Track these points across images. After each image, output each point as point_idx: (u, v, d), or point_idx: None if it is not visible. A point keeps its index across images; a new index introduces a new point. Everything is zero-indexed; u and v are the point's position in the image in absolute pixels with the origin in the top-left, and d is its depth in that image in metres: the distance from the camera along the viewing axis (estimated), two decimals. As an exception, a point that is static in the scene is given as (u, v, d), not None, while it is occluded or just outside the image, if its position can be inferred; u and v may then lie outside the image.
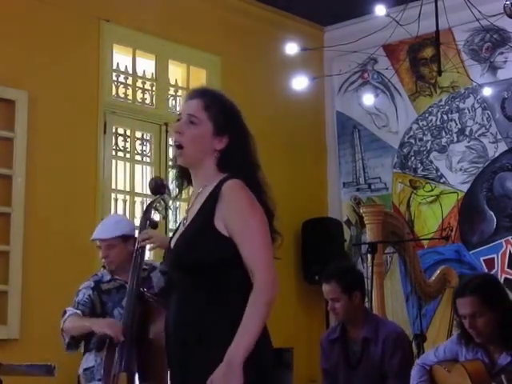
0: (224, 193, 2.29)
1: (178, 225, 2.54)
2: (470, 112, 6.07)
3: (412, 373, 3.60)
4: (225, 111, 2.43)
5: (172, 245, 2.42)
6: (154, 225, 3.44)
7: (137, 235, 3.49)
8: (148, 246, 3.42)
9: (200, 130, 2.38)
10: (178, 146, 2.39)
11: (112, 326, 3.34)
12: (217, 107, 2.42)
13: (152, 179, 3.52)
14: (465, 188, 6.02)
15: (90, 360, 3.70)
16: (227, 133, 2.40)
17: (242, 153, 2.41)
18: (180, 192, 2.53)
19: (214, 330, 2.24)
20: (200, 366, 2.25)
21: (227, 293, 2.27)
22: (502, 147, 5.89)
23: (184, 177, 2.49)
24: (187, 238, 2.36)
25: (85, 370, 3.74)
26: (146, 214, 3.41)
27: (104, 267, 3.91)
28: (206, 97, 2.45)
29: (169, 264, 2.47)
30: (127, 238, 3.79)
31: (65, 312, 3.73)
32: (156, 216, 3.45)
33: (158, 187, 3.37)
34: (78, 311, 3.70)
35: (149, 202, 3.51)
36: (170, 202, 3.61)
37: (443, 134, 6.19)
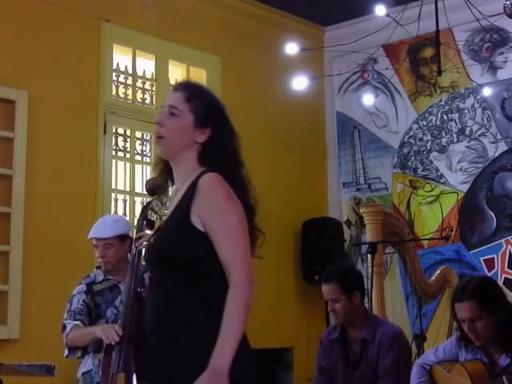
0: (201, 186, 2.24)
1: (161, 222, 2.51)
2: (470, 112, 6.08)
3: (412, 373, 3.60)
4: (207, 104, 2.39)
5: (151, 241, 2.39)
6: (151, 225, 3.44)
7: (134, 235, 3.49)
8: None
9: (180, 121, 2.35)
10: (159, 137, 2.37)
11: (105, 329, 3.33)
12: (199, 100, 2.38)
13: (148, 180, 3.52)
14: (465, 188, 6.02)
15: (88, 364, 3.70)
16: (209, 126, 2.35)
17: (223, 148, 2.35)
18: (167, 190, 2.50)
19: (190, 328, 2.18)
20: (177, 366, 2.19)
21: (204, 290, 2.21)
22: (502, 147, 5.89)
23: (168, 175, 2.45)
24: (164, 234, 2.32)
25: (83, 373, 3.74)
26: (143, 214, 3.40)
27: (98, 267, 3.90)
28: (189, 89, 2.42)
29: (147, 260, 2.43)
30: (124, 238, 3.79)
31: (64, 326, 3.72)
32: (153, 216, 3.44)
33: (155, 188, 3.37)
34: (77, 322, 3.69)
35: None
36: (168, 203, 3.60)
37: (443, 134, 6.19)
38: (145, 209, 3.41)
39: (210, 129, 2.35)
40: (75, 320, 3.71)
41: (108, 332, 3.20)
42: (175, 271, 2.24)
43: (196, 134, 2.35)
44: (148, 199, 3.35)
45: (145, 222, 3.37)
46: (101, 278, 3.83)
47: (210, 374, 2.08)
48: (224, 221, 2.20)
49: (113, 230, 3.76)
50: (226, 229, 2.20)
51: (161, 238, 2.32)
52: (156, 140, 2.38)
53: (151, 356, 2.26)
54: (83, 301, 3.75)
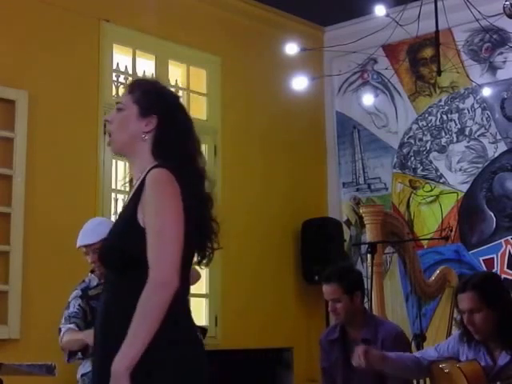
0: (146, 183, 2.21)
1: None
2: (469, 112, 6.08)
3: None
4: (150, 93, 2.36)
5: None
6: None
7: None
8: None
9: (124, 113, 2.35)
10: (109, 135, 2.38)
11: (90, 334, 3.32)
12: (140, 90, 2.37)
13: None
14: (464, 188, 6.02)
15: (87, 365, 3.70)
16: (154, 113, 2.32)
17: (174, 136, 2.32)
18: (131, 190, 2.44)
19: (125, 319, 2.11)
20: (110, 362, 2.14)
21: (140, 283, 2.14)
22: (502, 147, 5.90)
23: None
24: (112, 231, 2.32)
25: (82, 375, 3.75)
26: None
27: (92, 271, 3.91)
28: (133, 84, 2.45)
29: (99, 260, 2.44)
30: None
31: (60, 330, 3.73)
32: None
33: None
34: (72, 325, 3.70)
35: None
36: None
37: (443, 134, 6.19)
38: None
39: (156, 117, 2.32)
40: (70, 323, 3.71)
41: (92, 337, 3.21)
42: (122, 268, 2.21)
43: (142, 123, 2.33)
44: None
45: None
46: (95, 282, 3.85)
47: (111, 379, 2.06)
48: (154, 220, 2.16)
49: (98, 234, 3.70)
50: (153, 228, 2.15)
51: (110, 236, 2.31)
52: (107, 138, 2.41)
53: (98, 351, 2.27)
54: (79, 305, 3.77)
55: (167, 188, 2.19)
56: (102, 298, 2.35)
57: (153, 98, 2.36)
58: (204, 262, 2.37)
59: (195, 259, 2.36)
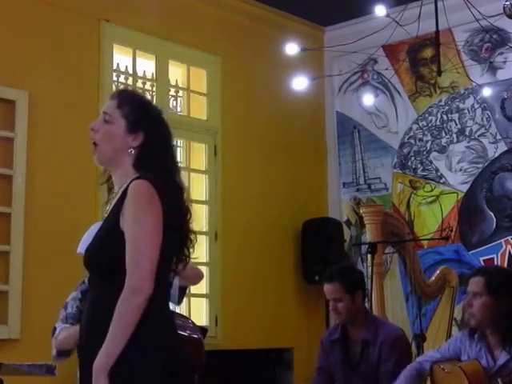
0: (128, 193, 2.30)
1: None
2: (469, 112, 6.08)
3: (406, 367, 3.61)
4: (138, 109, 2.45)
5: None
6: None
7: None
8: None
9: (112, 127, 2.42)
10: (94, 144, 2.44)
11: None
12: (130, 105, 2.45)
13: None
14: (464, 188, 6.03)
15: None
16: (141, 130, 2.41)
17: (156, 152, 2.40)
18: (109, 198, 2.53)
19: (105, 322, 2.24)
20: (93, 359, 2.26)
21: (119, 288, 2.25)
22: (502, 147, 5.90)
23: (113, 182, 2.51)
24: (96, 239, 2.40)
25: None
26: None
27: None
28: (121, 96, 2.50)
29: (83, 264, 2.48)
30: None
31: (54, 329, 3.72)
32: None
33: None
34: (68, 325, 3.70)
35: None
36: None
37: (443, 134, 6.19)
38: None
39: (142, 133, 2.41)
40: (66, 323, 3.71)
41: None
42: (106, 274, 2.32)
43: (129, 139, 2.41)
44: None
45: None
46: None
47: (93, 376, 2.19)
48: (133, 228, 2.26)
49: None
50: (131, 236, 2.26)
51: (94, 244, 2.40)
52: (92, 147, 2.45)
53: (82, 355, 2.39)
54: (76, 307, 3.76)
55: (147, 199, 2.28)
56: (87, 300, 2.45)
57: (141, 114, 2.44)
58: (179, 266, 2.47)
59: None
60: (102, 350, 2.19)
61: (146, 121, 2.43)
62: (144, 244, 2.24)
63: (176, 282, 3.75)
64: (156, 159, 2.39)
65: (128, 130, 2.41)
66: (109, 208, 2.44)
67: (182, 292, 3.55)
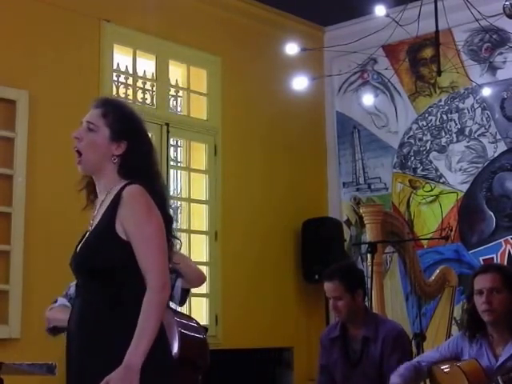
0: (124, 198, 2.37)
1: (85, 231, 2.59)
2: (469, 112, 6.08)
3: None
4: (122, 118, 2.51)
5: (77, 250, 2.50)
6: None
7: None
8: None
9: (97, 136, 2.49)
10: (77, 152, 2.54)
11: None
12: (114, 114, 2.50)
13: None
14: (464, 188, 6.03)
15: None
16: (125, 139, 2.47)
17: (141, 159, 2.48)
18: (88, 203, 2.63)
19: (110, 332, 2.31)
20: (94, 366, 2.32)
21: (124, 296, 2.34)
22: (502, 147, 5.90)
23: (92, 188, 2.60)
24: (89, 243, 2.45)
25: None
26: None
27: None
28: (105, 105, 2.55)
29: (73, 269, 2.51)
30: None
31: (56, 301, 3.73)
32: None
33: None
34: (68, 304, 3.70)
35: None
36: None
37: (443, 134, 6.20)
38: None
39: (126, 142, 2.47)
40: (68, 302, 3.71)
41: None
42: (100, 278, 2.37)
43: (113, 147, 2.48)
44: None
45: None
46: None
47: (123, 369, 2.22)
48: (142, 230, 2.34)
49: None
50: (143, 237, 2.34)
51: (87, 248, 2.45)
52: (76, 155, 2.56)
53: (72, 357, 2.41)
54: None
55: (147, 202, 2.38)
56: (75, 301, 2.49)
57: (124, 123, 2.50)
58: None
59: None
60: (133, 347, 2.22)
61: (129, 130, 2.49)
62: (157, 242, 2.34)
63: (178, 283, 3.77)
64: (140, 166, 2.46)
65: (111, 138, 2.48)
66: (96, 213, 2.50)
67: (185, 294, 3.57)
